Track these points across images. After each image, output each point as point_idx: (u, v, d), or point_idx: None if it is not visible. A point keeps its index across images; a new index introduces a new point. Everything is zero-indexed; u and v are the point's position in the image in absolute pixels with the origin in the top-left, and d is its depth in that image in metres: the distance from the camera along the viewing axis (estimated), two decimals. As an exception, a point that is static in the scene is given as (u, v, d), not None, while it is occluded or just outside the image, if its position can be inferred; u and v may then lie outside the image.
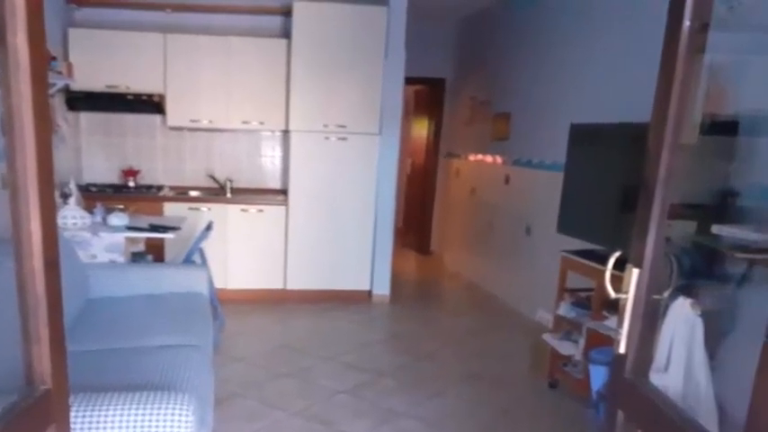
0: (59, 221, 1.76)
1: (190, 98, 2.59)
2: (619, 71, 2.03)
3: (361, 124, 2.54)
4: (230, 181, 2.78)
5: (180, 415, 0.97)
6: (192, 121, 2.62)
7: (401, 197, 3.94)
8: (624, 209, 1.61)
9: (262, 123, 2.63)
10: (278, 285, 2.64)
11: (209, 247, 2.33)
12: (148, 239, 2.16)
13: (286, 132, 2.66)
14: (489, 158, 3.08)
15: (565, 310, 1.87)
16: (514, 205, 2.80)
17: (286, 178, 2.66)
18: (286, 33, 2.64)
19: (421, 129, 4.11)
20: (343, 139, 2.54)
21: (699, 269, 1.58)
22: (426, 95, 3.94)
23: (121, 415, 0.96)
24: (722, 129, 1.47)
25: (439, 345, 2.25)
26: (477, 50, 3.38)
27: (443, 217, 3.88)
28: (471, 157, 3.35)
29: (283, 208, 2.58)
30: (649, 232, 0.72)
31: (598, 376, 1.51)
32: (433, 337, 2.34)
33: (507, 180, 2.86)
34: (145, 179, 2.76)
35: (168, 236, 1.97)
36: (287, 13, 2.59)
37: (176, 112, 2.59)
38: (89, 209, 1.99)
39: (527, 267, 2.67)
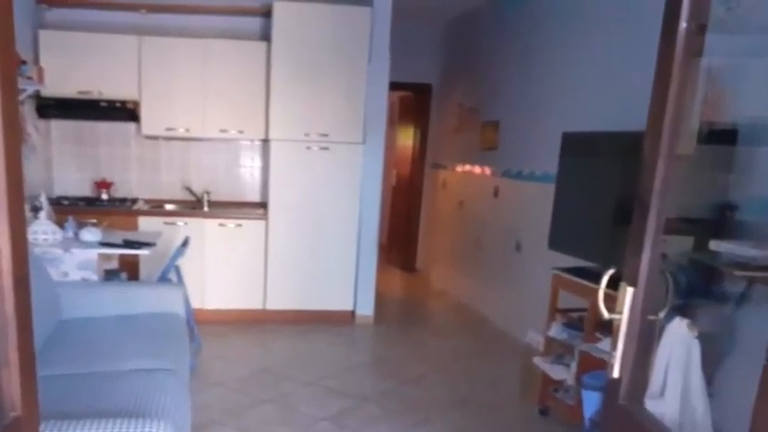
0: (29, 237, 1.74)
1: (165, 105, 2.58)
2: (613, 76, 2.04)
3: (345, 133, 2.55)
4: (208, 193, 2.77)
5: (155, 443, 0.96)
6: (168, 129, 2.60)
7: (385, 211, 3.94)
8: (618, 223, 1.61)
9: (241, 132, 2.62)
10: (257, 305, 2.62)
11: (185, 264, 2.32)
12: (122, 256, 2.14)
13: (266, 142, 2.65)
14: (477, 169, 3.09)
15: (556, 331, 1.87)
16: (504, 220, 2.79)
17: (266, 191, 2.65)
18: (266, 36, 2.63)
19: (406, 138, 4.10)
20: (326, 148, 2.53)
21: (696, 288, 1.59)
22: (412, 102, 3.93)
23: (95, 443, 0.94)
24: (721, 137, 1.48)
25: (425, 368, 2.23)
26: (464, 55, 3.40)
27: (430, 232, 3.88)
28: (459, 168, 3.36)
29: (263, 222, 2.57)
30: (644, 248, 0.73)
31: (591, 402, 1.51)
32: (419, 360, 2.32)
33: (496, 192, 2.87)
34: (119, 191, 2.73)
35: (143, 252, 1.96)
36: (267, 14, 2.59)
37: (151, 120, 2.58)
38: (60, 223, 1.97)
39: (517, 286, 2.67)
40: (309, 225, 2.59)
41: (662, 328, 1.34)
